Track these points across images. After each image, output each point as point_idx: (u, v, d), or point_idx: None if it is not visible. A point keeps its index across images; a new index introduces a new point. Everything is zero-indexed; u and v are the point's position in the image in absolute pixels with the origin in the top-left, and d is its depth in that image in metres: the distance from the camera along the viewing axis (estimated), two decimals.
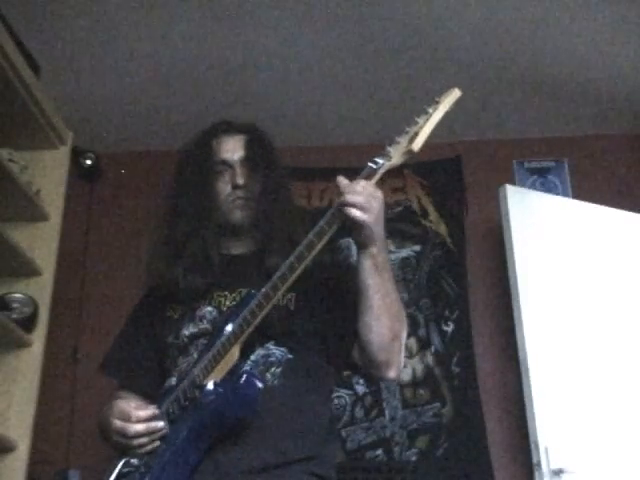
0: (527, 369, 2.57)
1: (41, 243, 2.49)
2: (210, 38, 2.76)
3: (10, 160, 2.36)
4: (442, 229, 3.23)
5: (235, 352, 1.30)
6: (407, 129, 1.28)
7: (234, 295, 1.44)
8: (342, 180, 1.30)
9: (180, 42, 2.78)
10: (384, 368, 1.35)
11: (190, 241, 1.49)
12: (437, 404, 2.92)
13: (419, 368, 2.98)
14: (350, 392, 2.95)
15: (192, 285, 1.45)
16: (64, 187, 2.62)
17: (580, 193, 3.20)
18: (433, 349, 3.01)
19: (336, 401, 2.87)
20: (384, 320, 1.32)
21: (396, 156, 1.28)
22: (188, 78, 2.98)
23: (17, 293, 2.38)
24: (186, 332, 1.44)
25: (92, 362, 3.00)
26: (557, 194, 3.21)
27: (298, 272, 1.27)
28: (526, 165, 3.35)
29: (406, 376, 2.98)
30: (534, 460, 2.48)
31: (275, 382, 1.34)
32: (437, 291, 3.11)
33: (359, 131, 3.28)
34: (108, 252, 3.26)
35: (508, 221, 2.80)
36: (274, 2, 2.61)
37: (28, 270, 2.42)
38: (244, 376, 1.25)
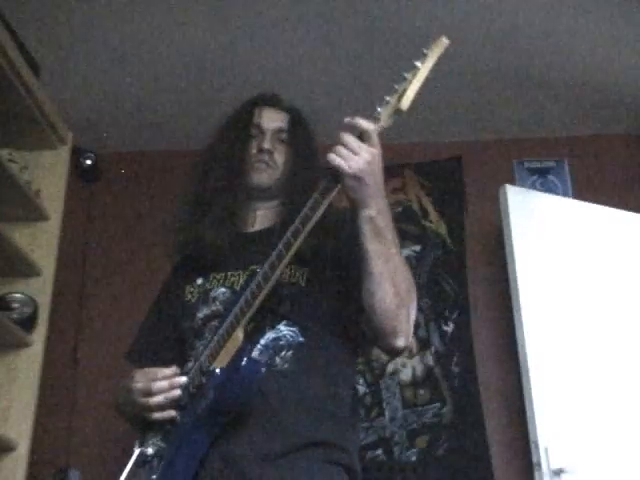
0: (527, 369, 2.57)
1: (41, 243, 2.49)
2: (210, 38, 2.76)
3: (10, 160, 2.37)
4: (442, 229, 3.23)
5: (239, 335, 1.28)
6: (396, 87, 1.22)
7: (247, 274, 1.41)
8: (340, 132, 1.25)
9: (180, 42, 2.78)
10: (391, 337, 1.29)
11: (219, 196, 1.49)
12: (437, 404, 2.92)
13: (419, 368, 2.98)
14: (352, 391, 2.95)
15: (218, 239, 1.44)
16: (64, 187, 2.62)
17: (580, 193, 3.20)
18: (433, 349, 3.01)
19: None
20: (386, 286, 1.25)
21: (385, 118, 1.22)
22: (188, 78, 2.98)
23: (17, 293, 2.39)
24: (200, 315, 1.44)
25: (92, 362, 3.03)
26: (557, 194, 3.21)
27: (294, 248, 1.24)
28: (526, 165, 3.34)
29: (406, 376, 2.98)
30: (534, 460, 2.48)
31: (285, 366, 1.31)
32: (437, 291, 3.11)
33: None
34: (108, 252, 3.26)
35: (508, 221, 2.80)
36: (275, 2, 2.61)
37: (28, 270, 2.42)
38: (244, 360, 1.23)
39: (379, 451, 2.86)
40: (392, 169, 3.33)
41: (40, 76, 2.54)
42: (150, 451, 1.33)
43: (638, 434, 2.60)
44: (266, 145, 1.52)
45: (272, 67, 2.92)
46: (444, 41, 1.26)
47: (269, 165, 1.51)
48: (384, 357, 2.99)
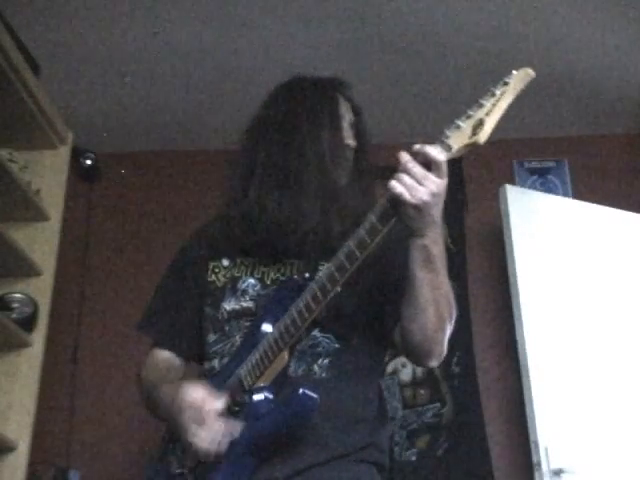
0: (527, 369, 2.57)
1: (41, 243, 2.49)
2: (210, 39, 2.76)
3: (10, 160, 2.36)
4: (442, 229, 3.22)
5: (284, 355, 1.24)
6: (469, 112, 1.12)
7: (278, 266, 1.35)
8: (404, 156, 1.15)
9: (180, 42, 2.78)
10: (424, 358, 1.30)
11: (317, 175, 1.34)
12: (437, 404, 2.92)
13: (419, 368, 2.98)
14: None
15: (278, 211, 1.32)
16: (64, 187, 2.62)
17: (580, 193, 3.20)
18: None
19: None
20: (430, 314, 1.23)
21: (456, 147, 1.12)
22: (188, 78, 2.98)
23: (17, 293, 2.38)
24: (227, 306, 1.36)
25: (92, 362, 3.03)
26: (557, 194, 3.21)
27: (348, 274, 1.17)
28: (526, 165, 3.34)
29: (406, 376, 2.98)
30: (534, 460, 2.48)
31: (323, 375, 1.28)
32: None
33: None
34: (108, 252, 3.26)
35: (508, 221, 2.80)
36: (276, 2, 2.61)
37: (28, 270, 2.42)
38: (300, 391, 1.17)
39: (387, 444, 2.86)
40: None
41: (40, 76, 2.54)
42: (187, 468, 1.27)
43: (638, 434, 2.60)
44: (349, 141, 1.45)
45: (273, 67, 2.92)
46: (529, 72, 1.10)
47: (348, 160, 1.44)
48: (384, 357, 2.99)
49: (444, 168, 1.12)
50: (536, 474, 2.46)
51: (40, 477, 2.54)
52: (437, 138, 1.12)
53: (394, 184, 1.12)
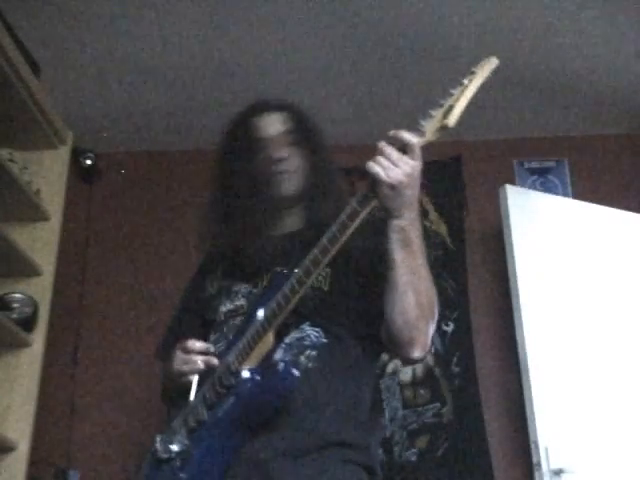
0: (527, 369, 2.57)
1: (41, 243, 2.49)
2: (210, 38, 2.76)
3: (10, 160, 2.37)
4: (442, 229, 3.23)
5: (270, 338, 1.28)
6: (441, 102, 1.22)
7: (270, 275, 1.42)
8: (381, 142, 1.23)
9: (180, 42, 2.78)
10: (407, 347, 1.29)
11: (248, 210, 1.46)
12: (437, 404, 2.92)
13: (419, 368, 2.98)
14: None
15: (253, 248, 1.44)
16: (64, 187, 2.62)
17: (580, 193, 3.20)
18: (433, 349, 3.01)
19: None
20: (409, 297, 1.26)
21: (430, 132, 1.21)
22: (188, 78, 2.98)
23: (17, 293, 2.39)
24: (223, 309, 1.44)
25: (92, 362, 3.03)
26: (557, 194, 3.21)
27: (331, 254, 1.23)
28: (526, 165, 3.34)
29: (406, 376, 2.98)
30: (534, 460, 2.48)
31: (310, 365, 1.31)
32: (437, 291, 3.10)
33: (358, 131, 3.28)
34: (108, 252, 3.26)
35: (508, 221, 2.80)
36: (275, 2, 2.61)
37: (28, 270, 2.42)
38: (281, 365, 1.22)
39: (379, 451, 2.85)
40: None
41: (40, 76, 2.54)
42: (175, 448, 1.31)
43: (638, 434, 2.60)
44: (276, 154, 1.48)
45: (272, 68, 2.92)
46: (494, 61, 1.26)
47: (290, 172, 1.47)
48: (384, 357, 2.99)
49: (417, 151, 1.20)
50: (536, 474, 2.46)
51: (40, 477, 2.55)
52: (412, 127, 1.22)
53: (371, 164, 1.21)
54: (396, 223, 1.24)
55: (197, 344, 1.37)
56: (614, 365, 2.68)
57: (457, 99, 1.21)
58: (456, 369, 2.98)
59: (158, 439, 1.34)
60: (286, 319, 1.31)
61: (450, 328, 3.04)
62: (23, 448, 2.24)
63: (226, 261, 1.51)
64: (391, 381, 2.97)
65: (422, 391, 2.95)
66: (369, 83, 3.01)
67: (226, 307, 1.44)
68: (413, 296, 1.27)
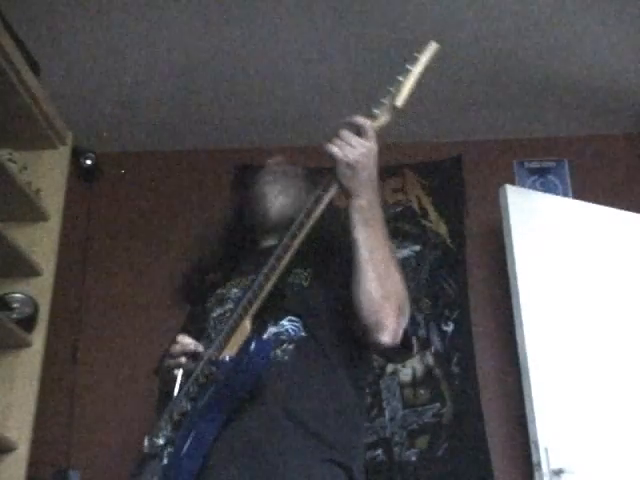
0: (527, 369, 2.57)
1: (41, 243, 2.49)
2: (210, 38, 2.76)
3: (10, 160, 2.37)
4: (442, 229, 3.23)
5: (247, 325, 1.30)
6: (390, 89, 1.31)
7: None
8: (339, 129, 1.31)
9: (180, 42, 2.78)
10: (375, 331, 1.28)
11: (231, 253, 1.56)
12: (437, 404, 2.92)
13: (419, 368, 2.98)
14: (366, 392, 2.95)
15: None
16: (64, 187, 2.62)
17: (580, 193, 3.20)
18: (433, 349, 3.01)
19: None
20: (371, 277, 1.27)
21: (382, 115, 1.31)
22: (188, 78, 2.98)
23: (17, 293, 2.38)
24: (214, 314, 1.47)
25: (92, 362, 3.03)
26: (557, 194, 3.21)
27: (300, 239, 1.29)
28: (526, 165, 3.34)
29: (406, 376, 2.98)
30: (534, 460, 2.48)
31: (285, 357, 1.32)
32: (437, 291, 3.11)
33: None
34: (108, 252, 3.26)
35: (508, 221, 2.80)
36: (275, 2, 2.61)
37: (28, 270, 2.42)
38: (253, 343, 1.24)
39: (379, 451, 2.86)
40: (392, 169, 3.34)
41: (40, 76, 2.54)
42: (160, 442, 1.32)
43: (638, 434, 2.60)
44: (271, 160, 1.61)
45: (273, 68, 2.92)
46: (434, 45, 1.37)
47: (276, 188, 1.54)
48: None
49: (371, 133, 1.28)
50: (536, 474, 2.46)
51: (40, 477, 2.54)
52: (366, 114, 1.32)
53: (329, 145, 1.29)
54: (356, 202, 1.29)
55: (186, 339, 1.39)
56: (614, 365, 2.68)
57: (402, 83, 1.30)
58: (456, 369, 2.98)
59: (146, 439, 1.35)
60: (266, 314, 1.33)
61: (450, 328, 3.04)
62: (23, 448, 2.24)
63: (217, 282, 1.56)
64: (391, 381, 2.97)
65: (422, 391, 2.95)
66: (369, 83, 3.01)
67: (216, 312, 1.47)
68: (375, 277, 1.28)
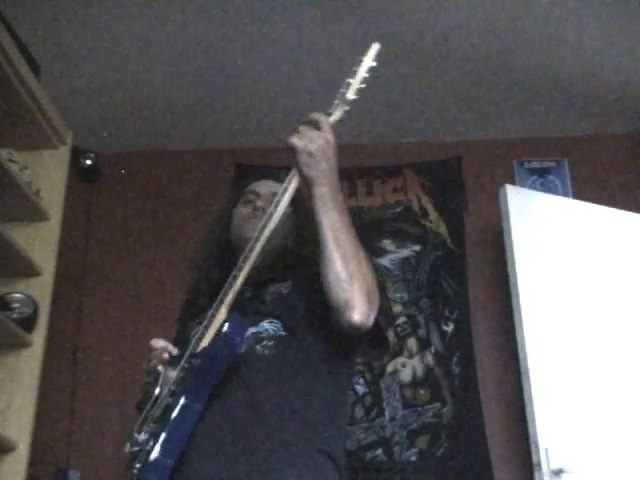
0: (527, 369, 2.57)
1: (41, 243, 2.49)
2: (210, 38, 2.76)
3: (10, 160, 2.36)
4: (442, 229, 3.23)
5: (222, 311, 1.34)
6: (341, 91, 1.47)
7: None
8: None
9: (180, 42, 2.78)
10: (345, 310, 1.31)
11: (204, 272, 1.60)
12: (437, 404, 2.92)
13: (419, 368, 2.98)
14: (350, 392, 2.95)
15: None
16: (64, 187, 2.62)
17: (580, 193, 3.20)
18: (433, 349, 3.01)
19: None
20: (337, 257, 1.32)
21: (335, 112, 1.45)
22: (188, 78, 2.98)
23: (17, 293, 2.38)
24: (192, 333, 1.49)
25: (92, 362, 3.03)
26: (557, 194, 3.21)
27: (269, 229, 1.35)
28: (526, 165, 3.35)
29: (406, 376, 2.98)
30: (534, 460, 2.48)
31: (265, 352, 1.38)
32: (437, 291, 3.11)
33: (358, 131, 3.28)
34: (108, 252, 3.26)
35: (508, 221, 2.80)
36: (276, 2, 2.61)
37: (28, 270, 2.42)
38: (227, 323, 1.28)
39: (379, 451, 2.86)
40: (392, 169, 3.34)
41: (40, 76, 2.54)
42: (143, 437, 1.34)
43: (638, 434, 2.60)
44: (259, 203, 1.58)
45: (273, 68, 2.92)
46: (376, 46, 1.48)
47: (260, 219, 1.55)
48: (384, 357, 3.00)
49: (326, 127, 1.39)
50: (536, 474, 2.46)
51: (40, 477, 2.54)
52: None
53: (290, 138, 1.37)
54: (318, 190, 1.35)
55: (160, 342, 1.43)
56: (614, 365, 2.68)
57: (352, 83, 1.47)
58: (456, 369, 2.98)
59: (127, 443, 1.38)
60: (246, 317, 1.37)
61: (450, 328, 3.04)
62: (23, 448, 2.23)
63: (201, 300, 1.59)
64: (391, 381, 2.97)
65: (422, 391, 2.95)
66: (369, 84, 3.01)
67: (195, 331, 1.49)
68: (340, 257, 1.32)
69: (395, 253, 3.19)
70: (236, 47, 2.81)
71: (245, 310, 1.40)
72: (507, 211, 2.82)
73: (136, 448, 1.34)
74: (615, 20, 2.68)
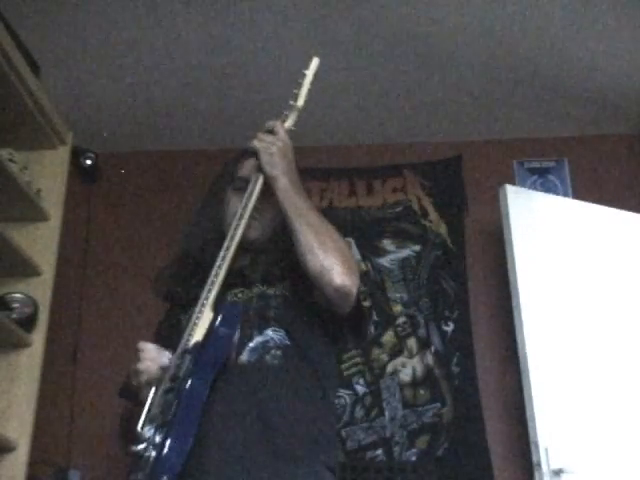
0: (527, 369, 2.57)
1: (41, 243, 2.49)
2: (211, 38, 2.76)
3: (10, 160, 2.36)
4: (442, 229, 3.23)
5: (209, 313, 1.37)
6: (291, 102, 1.61)
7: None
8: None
9: (180, 42, 2.78)
10: (324, 275, 1.39)
11: (202, 258, 1.58)
12: (437, 404, 2.92)
13: (419, 368, 2.98)
14: (350, 392, 2.95)
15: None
16: (64, 187, 2.62)
17: (580, 193, 3.20)
18: (433, 349, 3.01)
19: (336, 401, 2.87)
20: (307, 232, 1.41)
21: (288, 118, 1.60)
22: (188, 78, 2.98)
23: (17, 293, 2.38)
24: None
25: (92, 362, 3.03)
26: (557, 194, 3.21)
27: (242, 228, 1.45)
28: (526, 165, 3.34)
29: (406, 376, 2.98)
30: (534, 460, 2.48)
31: (275, 362, 1.41)
32: (437, 291, 3.11)
33: (358, 131, 3.28)
34: (108, 252, 3.26)
35: (508, 221, 2.80)
36: (276, 2, 2.61)
37: (28, 270, 2.42)
38: (220, 313, 1.34)
39: (379, 451, 2.86)
40: (392, 169, 3.34)
41: (40, 76, 2.54)
42: (148, 433, 1.32)
43: (638, 434, 2.60)
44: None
45: (273, 68, 2.92)
46: (316, 60, 1.65)
47: (255, 219, 1.55)
48: (384, 357, 3.00)
49: (281, 131, 1.54)
50: (536, 474, 2.46)
51: (40, 477, 2.54)
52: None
53: (252, 143, 1.52)
54: (280, 184, 1.47)
55: (148, 345, 1.47)
56: (614, 365, 2.68)
57: (299, 93, 1.62)
58: (456, 369, 2.98)
59: (129, 445, 1.36)
60: (251, 325, 1.42)
61: (450, 328, 3.04)
62: (23, 448, 2.23)
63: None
64: (391, 381, 2.97)
65: (422, 391, 2.95)
66: (369, 84, 3.01)
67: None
68: (310, 232, 1.42)
69: (395, 253, 3.19)
70: (236, 47, 2.81)
71: (249, 312, 1.45)
72: (507, 211, 2.81)
73: (142, 446, 1.32)
74: (615, 20, 2.68)
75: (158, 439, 1.28)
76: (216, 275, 1.41)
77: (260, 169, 1.51)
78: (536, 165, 3.34)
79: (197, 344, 1.34)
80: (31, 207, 2.44)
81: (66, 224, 2.62)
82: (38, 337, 2.38)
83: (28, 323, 2.35)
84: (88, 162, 3.23)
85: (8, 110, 2.37)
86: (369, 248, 3.19)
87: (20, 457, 2.22)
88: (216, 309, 1.38)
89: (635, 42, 2.79)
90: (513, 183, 3.12)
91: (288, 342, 1.44)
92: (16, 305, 2.35)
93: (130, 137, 3.36)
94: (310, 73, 1.63)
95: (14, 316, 2.31)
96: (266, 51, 2.84)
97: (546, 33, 2.75)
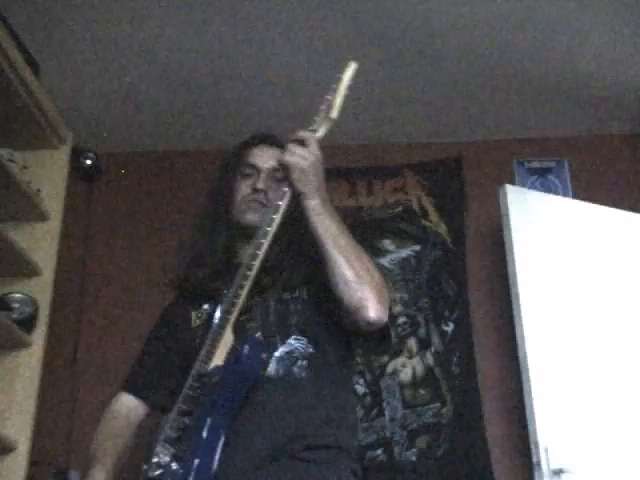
0: (527, 369, 2.57)
1: (41, 243, 2.49)
2: (212, 38, 2.76)
3: (10, 160, 2.36)
4: (442, 229, 3.23)
5: (229, 335, 1.36)
6: (322, 107, 1.46)
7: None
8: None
9: (181, 42, 2.78)
10: (359, 310, 1.36)
11: (207, 245, 1.57)
12: (437, 404, 2.92)
13: (419, 368, 2.98)
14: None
15: (208, 289, 1.53)
16: (64, 187, 2.62)
17: (580, 193, 3.20)
18: (433, 349, 3.01)
19: None
20: (341, 261, 1.37)
21: (320, 129, 1.45)
22: (188, 78, 2.98)
23: (17, 293, 2.38)
24: (201, 332, 1.50)
25: (92, 362, 3.03)
26: (557, 194, 3.21)
27: (265, 247, 1.37)
28: (526, 165, 3.34)
29: (406, 376, 2.98)
30: (534, 460, 2.48)
31: (303, 374, 1.40)
32: (437, 291, 3.11)
33: (358, 131, 3.28)
34: (108, 252, 3.26)
35: (508, 221, 2.80)
36: (275, 2, 2.61)
37: (28, 270, 2.42)
38: (245, 345, 1.31)
39: (379, 451, 2.86)
40: (392, 169, 3.34)
41: (40, 76, 2.54)
42: (165, 458, 1.34)
43: (638, 434, 2.60)
44: (260, 185, 1.58)
45: (272, 68, 2.92)
46: (353, 64, 1.48)
47: (263, 204, 1.54)
48: (384, 357, 3.00)
49: (311, 142, 1.41)
50: (536, 474, 2.46)
51: (40, 477, 2.54)
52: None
53: (283, 157, 1.41)
54: (311, 203, 1.39)
55: None
56: (614, 365, 2.68)
57: (332, 101, 1.44)
58: (456, 369, 2.98)
59: (145, 466, 1.37)
60: (274, 334, 1.42)
61: (450, 328, 3.04)
62: (23, 448, 2.24)
63: (204, 292, 1.58)
64: (391, 381, 2.97)
65: (422, 391, 2.95)
66: (369, 84, 3.01)
67: (204, 331, 1.50)
68: (345, 260, 1.37)
69: (395, 253, 3.19)
70: (236, 48, 2.81)
71: (269, 318, 1.44)
72: (507, 211, 2.81)
73: (159, 471, 1.33)
74: (615, 20, 2.68)
75: (175, 466, 1.30)
76: (236, 296, 1.37)
77: (289, 184, 1.40)
78: (536, 165, 3.34)
79: (218, 368, 1.33)
80: (31, 207, 2.44)
81: (66, 224, 2.62)
82: (38, 337, 2.38)
83: (28, 323, 2.35)
84: (88, 162, 3.22)
85: (8, 110, 2.38)
86: (369, 248, 3.17)
87: (20, 457, 2.22)
88: (237, 334, 1.35)
89: (635, 42, 2.79)
90: (513, 183, 3.12)
91: (312, 350, 1.43)
92: (16, 305, 2.35)
93: (130, 137, 3.36)
94: (346, 79, 1.47)
95: (14, 316, 2.31)
96: (266, 51, 2.84)
97: (546, 33, 2.75)
